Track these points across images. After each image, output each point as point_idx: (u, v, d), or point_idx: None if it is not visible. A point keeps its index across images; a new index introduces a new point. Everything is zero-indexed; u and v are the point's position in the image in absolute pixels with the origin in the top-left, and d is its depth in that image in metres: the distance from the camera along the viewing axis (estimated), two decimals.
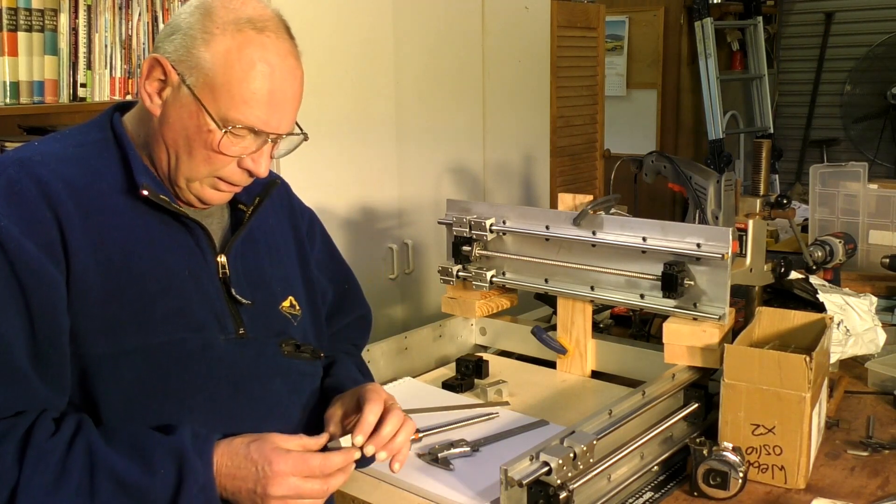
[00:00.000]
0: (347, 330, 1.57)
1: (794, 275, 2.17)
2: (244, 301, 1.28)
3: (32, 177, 1.13)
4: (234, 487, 1.15)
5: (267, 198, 1.35)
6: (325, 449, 1.22)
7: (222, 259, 1.27)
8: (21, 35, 2.20)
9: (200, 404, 1.20)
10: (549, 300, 2.10)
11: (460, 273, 2.00)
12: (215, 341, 1.23)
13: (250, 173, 1.23)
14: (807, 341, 1.68)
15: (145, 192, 1.19)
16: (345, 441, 1.21)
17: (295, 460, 1.16)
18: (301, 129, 1.28)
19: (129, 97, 2.40)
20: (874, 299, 2.05)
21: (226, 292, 1.27)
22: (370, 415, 1.24)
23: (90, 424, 1.12)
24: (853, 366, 2.00)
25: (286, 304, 1.35)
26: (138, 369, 1.16)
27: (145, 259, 1.18)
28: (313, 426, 1.33)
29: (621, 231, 1.79)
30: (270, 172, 1.44)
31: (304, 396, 1.35)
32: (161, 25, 2.43)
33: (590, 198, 1.93)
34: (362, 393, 1.30)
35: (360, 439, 1.21)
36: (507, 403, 1.79)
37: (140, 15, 2.40)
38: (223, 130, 1.17)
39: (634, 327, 2.19)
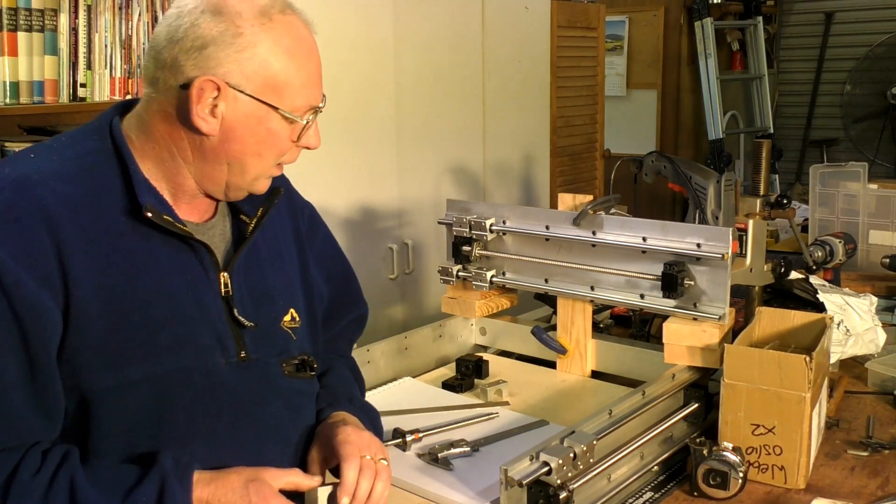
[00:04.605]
0: (346, 329, 1.55)
1: (794, 275, 2.17)
2: (247, 324, 1.24)
3: (31, 199, 1.08)
4: None
5: (271, 208, 1.31)
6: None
7: (224, 277, 1.23)
8: (21, 35, 2.20)
9: (202, 431, 1.18)
10: (549, 300, 2.10)
11: (460, 273, 2.00)
12: (218, 366, 1.20)
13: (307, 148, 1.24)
14: (807, 341, 1.68)
15: (149, 214, 1.14)
16: (322, 492, 1.23)
17: None
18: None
19: (129, 97, 2.40)
20: (874, 299, 2.05)
21: (228, 312, 1.23)
22: (350, 473, 1.21)
23: (75, 458, 1.09)
24: (853, 366, 2.00)
25: (287, 318, 1.31)
26: (142, 400, 1.13)
27: (149, 284, 1.14)
28: (309, 446, 1.31)
29: (621, 231, 1.79)
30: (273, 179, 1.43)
31: (303, 417, 1.33)
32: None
33: (590, 198, 1.93)
34: (337, 446, 1.25)
35: (346, 501, 1.20)
36: (507, 403, 1.79)
37: (140, 15, 2.40)
38: (305, 121, 1.19)
39: (634, 327, 2.19)
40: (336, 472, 1.25)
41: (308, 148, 1.24)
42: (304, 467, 1.29)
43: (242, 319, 1.23)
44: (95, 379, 1.10)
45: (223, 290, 1.22)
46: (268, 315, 1.28)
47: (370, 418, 1.40)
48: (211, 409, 1.19)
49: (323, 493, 1.23)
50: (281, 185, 1.35)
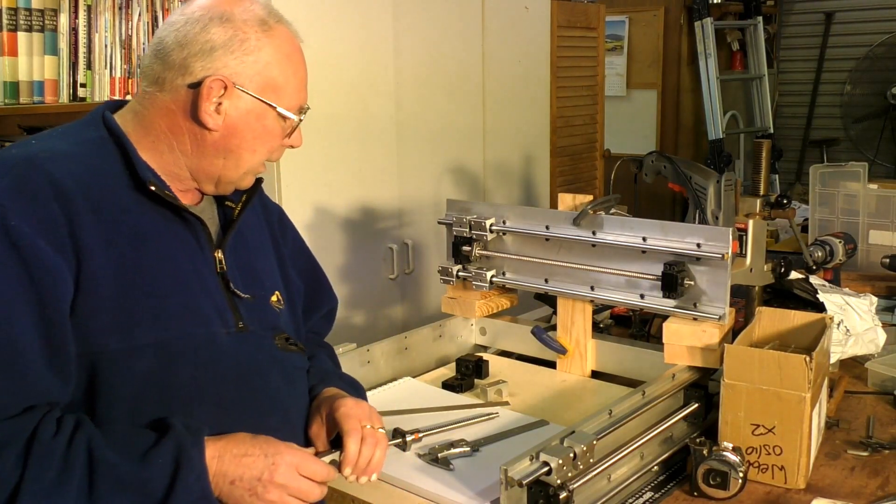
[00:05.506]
0: (319, 323, 1.62)
1: (794, 275, 2.17)
2: (243, 295, 1.31)
3: (43, 173, 1.14)
4: (236, 473, 1.18)
5: (254, 195, 1.39)
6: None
7: (219, 254, 1.31)
8: (21, 35, 2.20)
9: (207, 398, 1.24)
10: (549, 300, 2.10)
11: (460, 273, 2.00)
12: (219, 335, 1.26)
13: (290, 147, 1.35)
14: (807, 341, 1.68)
15: (153, 188, 1.22)
16: (325, 461, 1.29)
17: (303, 457, 1.23)
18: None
19: (128, 97, 2.40)
20: (874, 299, 2.05)
21: (224, 286, 1.30)
22: (352, 445, 1.30)
23: (89, 423, 1.14)
24: (853, 366, 2.00)
25: (274, 298, 1.39)
26: (149, 364, 1.18)
27: (154, 255, 1.21)
28: (305, 420, 1.38)
29: (621, 231, 1.79)
30: None
31: (298, 389, 1.39)
32: (161, 25, 2.43)
33: (590, 198, 1.93)
34: (339, 419, 1.32)
35: (348, 471, 1.30)
36: (507, 403, 1.79)
37: (140, 15, 2.40)
38: (299, 118, 1.31)
39: (634, 327, 2.19)
40: (336, 442, 1.33)
41: (292, 146, 1.34)
42: (301, 439, 1.35)
43: (238, 292, 1.31)
44: (105, 342, 1.15)
45: (218, 267, 1.30)
46: (258, 291, 1.36)
47: (359, 395, 1.47)
48: (214, 378, 1.24)
49: (326, 462, 1.29)
50: (261, 177, 1.44)
